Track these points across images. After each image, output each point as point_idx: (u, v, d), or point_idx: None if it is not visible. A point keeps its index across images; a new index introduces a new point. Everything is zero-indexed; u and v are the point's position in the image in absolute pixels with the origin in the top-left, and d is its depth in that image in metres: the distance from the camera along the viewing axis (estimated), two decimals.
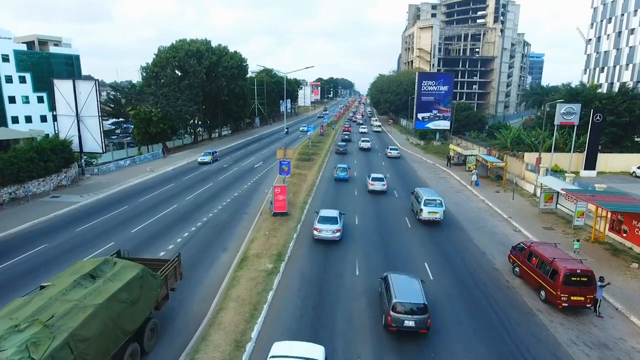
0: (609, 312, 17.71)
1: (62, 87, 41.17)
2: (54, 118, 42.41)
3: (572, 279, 16.99)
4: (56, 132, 41.97)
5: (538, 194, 36.50)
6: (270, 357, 11.64)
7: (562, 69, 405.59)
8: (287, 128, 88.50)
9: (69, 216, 29.62)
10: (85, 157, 46.03)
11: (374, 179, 37.50)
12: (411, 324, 15.15)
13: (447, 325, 16.42)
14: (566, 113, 40.46)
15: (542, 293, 18.24)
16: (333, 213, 25.75)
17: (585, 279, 17.00)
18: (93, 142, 42.05)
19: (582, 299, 16.97)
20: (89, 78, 54.63)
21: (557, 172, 40.72)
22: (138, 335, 13.03)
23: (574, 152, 42.43)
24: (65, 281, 11.92)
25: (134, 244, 23.78)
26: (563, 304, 17.05)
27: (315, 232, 24.52)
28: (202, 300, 17.65)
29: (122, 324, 11.88)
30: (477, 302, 18.31)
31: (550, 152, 41.27)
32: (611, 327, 16.65)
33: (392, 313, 15.25)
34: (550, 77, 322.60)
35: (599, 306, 17.46)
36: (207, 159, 51.06)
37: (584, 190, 28.91)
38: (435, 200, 28.83)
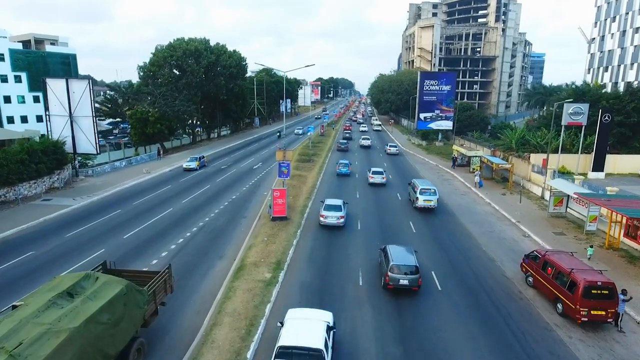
0: (630, 327, 16.55)
1: (55, 87, 40.01)
2: (47, 118, 41.22)
3: (593, 291, 15.82)
4: (49, 132, 40.84)
5: (546, 197, 35.36)
6: (287, 319, 13.82)
7: (563, 68, 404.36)
8: (280, 131, 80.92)
9: (59, 220, 28.44)
10: (80, 158, 44.88)
11: (374, 173, 40.41)
12: (405, 282, 18.02)
13: (457, 339, 15.25)
14: (574, 113, 39.19)
15: (559, 306, 17.05)
16: (337, 202, 28.04)
17: (607, 292, 15.83)
18: (87, 143, 40.88)
19: (603, 313, 15.79)
20: (88, 78, 53.41)
21: (564, 173, 39.55)
22: (122, 358, 11.84)
23: (580, 153, 41.25)
24: (40, 300, 10.74)
25: (125, 251, 22.63)
26: (582, 319, 15.87)
27: (322, 219, 26.71)
28: (195, 313, 16.47)
29: (102, 348, 10.71)
30: (489, 315, 17.14)
31: (556, 153, 40.06)
32: (634, 344, 15.48)
33: (389, 274, 18.08)
34: (551, 77, 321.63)
35: (621, 321, 16.29)
36: (193, 165, 46.36)
37: (597, 194, 27.69)
38: (430, 189, 31.57)
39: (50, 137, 39.79)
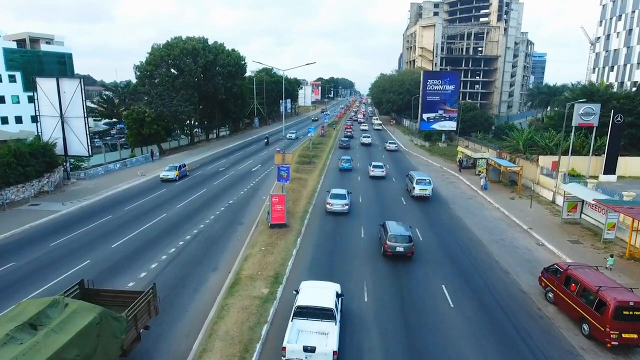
0: None
1: (46, 86, 38.50)
2: (38, 119, 39.66)
3: (624, 312, 14.28)
4: (39, 133, 39.33)
5: (557, 201, 33.87)
6: (301, 288, 15.77)
7: (563, 68, 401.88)
8: (267, 137, 71.77)
9: (45, 227, 26.88)
10: (72, 160, 43.37)
11: (375, 167, 43.22)
12: (401, 249, 21.47)
13: None
14: (585, 114, 37.76)
15: (585, 327, 15.50)
16: (342, 191, 31.16)
17: (639, 313, 14.29)
18: (79, 144, 39.32)
19: (636, 336, 14.25)
20: (80, 77, 51.63)
21: (574, 176, 38.00)
22: None
23: (591, 155, 39.72)
24: None
25: (112, 263, 21.09)
26: (612, 343, 14.32)
27: (328, 206, 29.69)
28: (184, 336, 14.88)
29: None
30: (508, 336, 15.57)
31: (566, 155, 38.48)
32: None
33: (388, 242, 21.53)
34: (552, 77, 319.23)
35: None
36: (172, 174, 40.42)
37: (619, 200, 26.10)
38: (425, 179, 34.98)
39: (41, 138, 38.27)
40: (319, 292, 15.17)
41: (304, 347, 12.72)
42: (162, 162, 50.73)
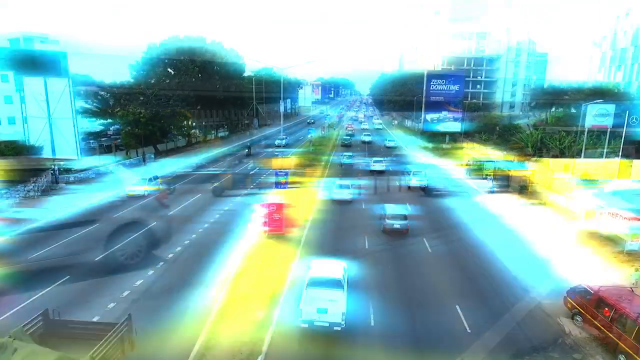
0: None
1: (33, 85, 36.70)
2: (24, 120, 37.92)
3: None
4: (27, 135, 37.57)
5: (571, 208, 31.97)
6: (312, 264, 18.08)
7: (565, 68, 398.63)
8: (249, 146, 59.97)
9: (25, 238, 24.89)
10: (62, 163, 41.48)
11: (375, 161, 46.52)
12: (397, 226, 25.25)
13: None
14: (599, 115, 36.04)
15: (622, 359, 13.68)
16: (347, 182, 35.23)
17: None
18: (67, 146, 37.52)
19: None
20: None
21: (588, 180, 36.16)
22: None
23: (604, 158, 37.95)
24: None
25: (92, 279, 19.25)
26: None
27: (334, 195, 33.21)
28: None
29: None
30: None
31: (574, 158, 36.67)
32: None
33: (386, 220, 25.34)
34: (554, 77, 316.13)
35: None
36: (140, 190, 33.94)
37: None
38: (421, 172, 39.40)
39: (28, 140, 36.54)
40: (329, 267, 17.63)
41: (317, 308, 14.78)
42: (158, 165, 48.97)
